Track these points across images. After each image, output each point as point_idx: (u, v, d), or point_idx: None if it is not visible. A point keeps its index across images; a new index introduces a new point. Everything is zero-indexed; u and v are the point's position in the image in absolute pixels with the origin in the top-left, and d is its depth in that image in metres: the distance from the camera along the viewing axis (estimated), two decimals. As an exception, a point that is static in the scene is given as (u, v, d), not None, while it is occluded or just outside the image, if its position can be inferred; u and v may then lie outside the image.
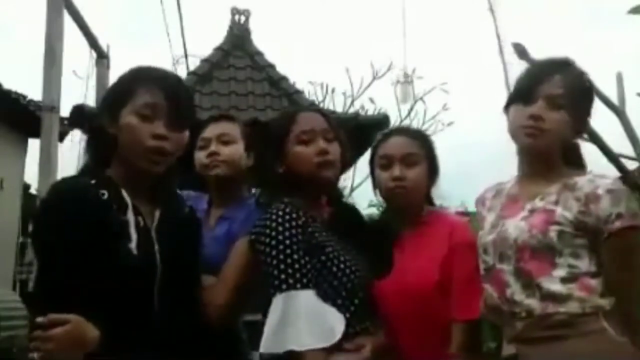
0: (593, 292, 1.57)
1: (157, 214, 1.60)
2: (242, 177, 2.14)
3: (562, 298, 1.56)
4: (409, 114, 13.26)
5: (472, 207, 2.00)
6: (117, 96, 1.59)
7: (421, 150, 1.91)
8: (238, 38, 7.57)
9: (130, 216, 1.52)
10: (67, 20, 5.13)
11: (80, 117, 6.07)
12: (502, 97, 1.80)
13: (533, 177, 1.74)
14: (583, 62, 1.74)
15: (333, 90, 13.19)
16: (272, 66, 7.39)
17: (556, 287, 1.57)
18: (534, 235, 1.61)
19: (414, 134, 2.00)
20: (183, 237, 1.64)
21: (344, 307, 1.67)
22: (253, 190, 2.23)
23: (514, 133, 1.73)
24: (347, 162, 1.92)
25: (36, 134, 5.50)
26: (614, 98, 4.54)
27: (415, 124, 12.03)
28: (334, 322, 1.63)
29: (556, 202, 1.63)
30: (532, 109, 1.66)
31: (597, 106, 2.15)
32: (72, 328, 1.38)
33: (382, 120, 6.76)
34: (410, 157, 1.87)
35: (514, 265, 1.63)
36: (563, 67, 1.72)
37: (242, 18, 7.74)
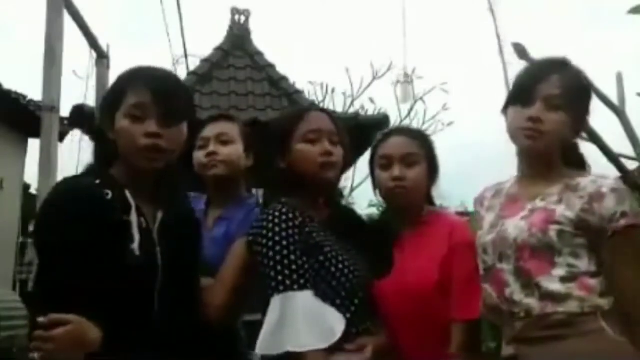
0: (592, 291, 1.57)
1: (159, 215, 1.60)
2: (240, 177, 2.14)
3: (562, 297, 1.56)
4: (409, 114, 13.30)
5: (472, 207, 2.00)
6: (111, 101, 1.60)
7: (421, 150, 1.91)
8: (238, 38, 7.58)
9: (134, 217, 1.52)
10: (67, 20, 5.12)
11: (80, 117, 6.08)
12: (502, 97, 1.80)
13: (533, 178, 1.74)
14: (583, 62, 1.75)
15: (333, 90, 13.25)
16: (272, 66, 7.39)
17: (555, 286, 1.57)
18: (533, 234, 1.61)
19: (413, 134, 2.00)
20: (184, 237, 1.64)
21: (344, 307, 1.67)
22: (253, 191, 2.23)
23: (513, 135, 1.73)
24: (347, 166, 1.93)
25: (36, 134, 5.49)
26: (614, 98, 4.52)
27: (415, 124, 12.07)
28: (334, 322, 1.63)
29: (558, 202, 1.63)
30: (531, 111, 1.66)
31: (597, 106, 2.15)
32: (73, 329, 1.38)
33: (382, 120, 6.77)
34: (410, 157, 1.88)
35: (513, 265, 1.63)
36: (560, 67, 1.72)
37: (242, 18, 7.74)
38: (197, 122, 1.90)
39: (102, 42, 6.33)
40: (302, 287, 1.63)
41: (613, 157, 4.19)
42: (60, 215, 1.47)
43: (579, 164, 1.77)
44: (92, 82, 6.34)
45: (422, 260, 1.82)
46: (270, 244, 1.67)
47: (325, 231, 1.77)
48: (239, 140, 2.12)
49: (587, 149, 1.92)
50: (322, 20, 27.05)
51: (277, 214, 1.70)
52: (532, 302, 1.58)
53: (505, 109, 1.76)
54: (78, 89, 6.63)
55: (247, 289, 1.82)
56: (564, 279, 1.57)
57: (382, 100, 14.14)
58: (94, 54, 6.32)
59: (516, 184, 1.80)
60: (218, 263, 1.84)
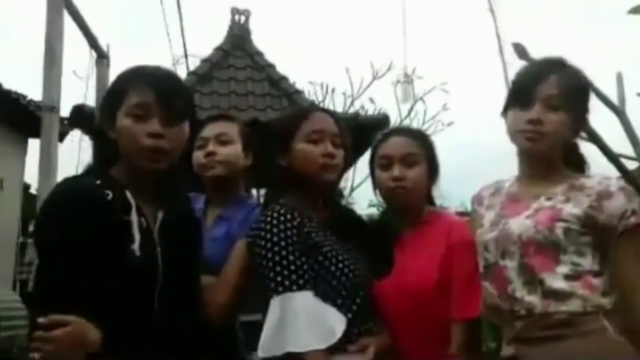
0: (595, 290, 1.57)
1: (160, 215, 1.60)
2: (239, 177, 2.14)
3: (565, 295, 1.56)
4: (409, 114, 13.29)
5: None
6: (112, 100, 1.59)
7: (421, 150, 1.91)
8: (238, 38, 7.56)
9: (134, 217, 1.52)
10: (67, 20, 5.11)
11: (80, 117, 6.06)
12: (502, 97, 1.80)
13: (534, 178, 1.74)
14: (583, 62, 1.74)
15: (333, 90, 13.24)
16: (272, 66, 7.38)
17: (559, 284, 1.57)
18: (539, 231, 1.61)
19: (413, 134, 2.00)
20: (184, 238, 1.64)
21: (345, 307, 1.67)
22: (253, 191, 2.23)
23: (514, 138, 1.73)
24: (347, 167, 1.93)
25: (36, 134, 5.48)
26: (614, 98, 4.51)
27: (415, 124, 12.06)
28: (334, 322, 1.63)
29: (565, 201, 1.64)
30: (531, 113, 1.66)
31: (597, 106, 2.15)
32: (73, 329, 1.37)
33: (382, 120, 6.75)
34: (410, 157, 1.88)
35: (518, 261, 1.62)
36: (558, 66, 1.72)
37: (242, 18, 7.73)
38: (197, 122, 1.90)
39: (102, 42, 6.32)
40: (301, 288, 1.63)
41: (613, 157, 4.18)
42: (61, 215, 1.47)
43: (579, 164, 1.78)
44: (92, 82, 6.34)
45: (422, 260, 1.82)
46: (269, 245, 1.67)
47: (325, 231, 1.77)
48: (238, 140, 2.12)
49: (587, 149, 1.92)
50: (322, 21, 27.07)
51: (275, 215, 1.70)
52: (534, 300, 1.58)
53: (504, 112, 1.76)
54: (78, 89, 6.63)
55: (247, 289, 1.82)
56: (568, 277, 1.57)
57: (382, 100, 14.17)
58: (94, 54, 6.31)
59: (516, 184, 1.79)
60: (218, 262, 1.85)
